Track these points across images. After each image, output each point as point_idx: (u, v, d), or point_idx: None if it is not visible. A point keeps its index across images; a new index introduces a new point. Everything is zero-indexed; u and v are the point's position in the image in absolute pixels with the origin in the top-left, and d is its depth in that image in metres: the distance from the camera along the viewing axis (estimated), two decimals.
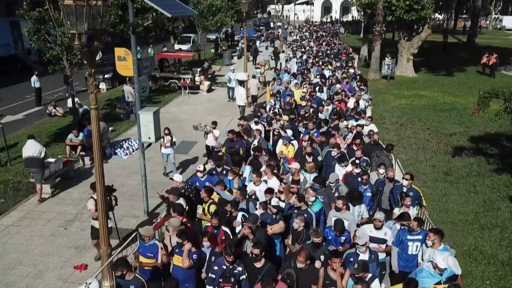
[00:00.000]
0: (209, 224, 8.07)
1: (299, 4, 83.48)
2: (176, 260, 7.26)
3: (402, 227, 7.98)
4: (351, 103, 17.03)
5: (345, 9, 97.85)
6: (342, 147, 11.82)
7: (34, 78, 22.43)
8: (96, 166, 7.81)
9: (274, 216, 8.08)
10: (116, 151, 16.01)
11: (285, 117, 14.04)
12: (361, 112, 15.19)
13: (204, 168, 10.11)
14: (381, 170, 10.20)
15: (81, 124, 17.77)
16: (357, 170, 10.03)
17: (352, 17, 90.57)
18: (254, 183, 9.40)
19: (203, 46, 39.37)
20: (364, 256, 7.04)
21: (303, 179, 9.67)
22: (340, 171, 10.35)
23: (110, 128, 18.50)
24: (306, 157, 10.92)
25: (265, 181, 9.51)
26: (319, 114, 15.70)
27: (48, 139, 17.54)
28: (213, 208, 8.52)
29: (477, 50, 44.07)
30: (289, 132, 12.85)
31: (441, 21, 69.83)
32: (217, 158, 10.57)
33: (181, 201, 8.71)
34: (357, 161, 10.44)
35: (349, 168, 10.42)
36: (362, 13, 40.77)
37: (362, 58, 37.50)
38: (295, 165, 9.81)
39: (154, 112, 10.40)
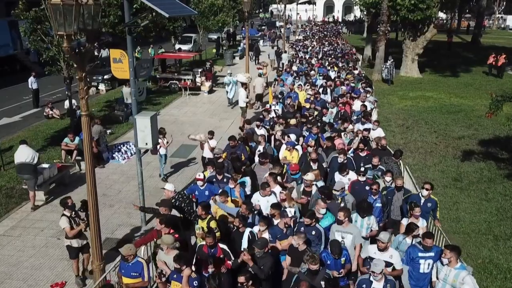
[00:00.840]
0: (203, 242, 7.37)
1: (301, 3, 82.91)
2: (174, 287, 6.67)
3: (412, 243, 7.44)
4: (356, 105, 16.52)
5: (347, 9, 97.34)
6: (340, 147, 11.29)
7: (31, 79, 21.94)
8: (88, 177, 7.33)
9: (285, 231, 7.55)
10: (114, 155, 15.50)
11: (293, 121, 13.51)
12: (367, 115, 14.69)
13: (204, 176, 9.58)
14: (388, 178, 9.67)
15: (78, 126, 17.34)
16: (362, 178, 9.48)
17: (355, 16, 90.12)
18: (262, 196, 8.77)
19: (204, 46, 38.92)
20: (378, 285, 6.37)
21: (314, 191, 9.05)
22: (341, 179, 9.81)
23: (108, 131, 18.00)
24: (311, 163, 10.39)
25: (273, 192, 8.96)
26: (323, 117, 15.16)
27: (44, 142, 17.05)
28: (213, 224, 7.90)
29: (482, 50, 43.56)
30: (293, 137, 12.32)
31: (445, 21, 69.18)
32: (217, 165, 10.04)
33: (174, 213, 8.17)
34: (365, 168, 9.88)
35: (354, 175, 9.90)
36: (365, 12, 40.25)
37: (366, 58, 36.94)
38: (310, 177, 9.16)
39: (151, 116, 9.89)
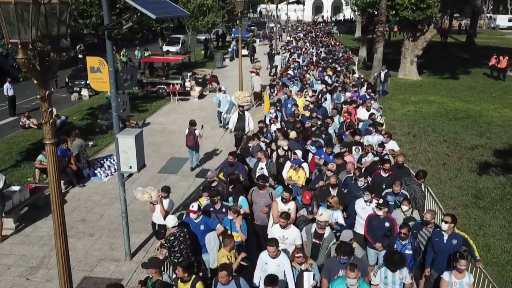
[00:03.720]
0: None
1: (290, 3, 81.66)
2: None
3: None
4: (361, 113, 15.15)
5: (336, 8, 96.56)
6: (351, 168, 9.82)
7: (6, 85, 20.24)
8: (54, 216, 5.84)
9: None
10: (96, 171, 13.92)
11: (293, 133, 12.04)
12: (376, 125, 13.31)
13: (199, 207, 8.10)
14: (405, 207, 8.27)
15: (57, 138, 15.78)
16: (380, 212, 7.79)
17: (344, 16, 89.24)
18: (272, 257, 6.90)
19: (193, 47, 37.37)
20: None
21: (328, 234, 7.44)
22: (364, 209, 8.38)
23: (90, 143, 16.40)
24: (330, 189, 8.91)
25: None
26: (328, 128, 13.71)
27: (18, 156, 15.40)
28: (200, 286, 6.33)
29: (477, 51, 42.65)
30: (299, 153, 10.89)
31: (437, 20, 68.37)
32: (211, 193, 8.52)
33: (166, 278, 6.60)
34: (389, 197, 8.48)
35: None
36: (358, 12, 39.01)
37: (361, 60, 35.65)
38: (325, 217, 7.39)
39: (136, 135, 8.40)
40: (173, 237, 7.37)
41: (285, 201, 8.21)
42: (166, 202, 8.97)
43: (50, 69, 5.38)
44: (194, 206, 7.91)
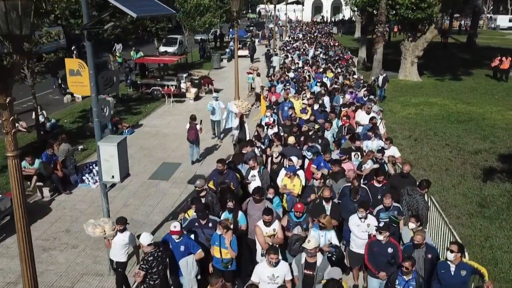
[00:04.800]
0: None
1: (289, 3, 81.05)
2: None
3: None
4: (360, 117, 14.56)
5: (335, 9, 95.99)
6: (352, 176, 9.22)
7: None
8: (19, 235, 5.26)
9: None
10: (84, 177, 13.31)
11: (291, 139, 11.41)
12: (375, 129, 12.75)
13: (181, 226, 7.43)
14: (412, 225, 7.60)
15: (45, 144, 15.24)
16: (381, 238, 7.08)
17: (343, 16, 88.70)
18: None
19: (190, 48, 36.79)
20: None
21: (320, 261, 6.64)
22: (359, 227, 7.77)
23: (80, 147, 15.83)
24: (324, 203, 8.29)
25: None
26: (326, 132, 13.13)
27: (4, 161, 14.79)
28: None
29: (478, 51, 42.07)
30: (295, 160, 10.27)
31: (438, 20, 67.79)
32: (198, 208, 7.86)
33: None
34: (381, 214, 7.80)
35: (373, 221, 7.80)
36: (358, 12, 38.43)
37: (361, 60, 35.05)
38: (314, 243, 6.58)
39: (118, 143, 7.80)
40: (151, 257, 6.76)
41: (268, 224, 7.57)
42: (124, 236, 7.74)
43: (10, 73, 4.79)
44: (176, 227, 7.24)
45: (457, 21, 74.40)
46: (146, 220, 11.18)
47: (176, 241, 7.21)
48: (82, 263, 9.40)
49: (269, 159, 10.91)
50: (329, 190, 8.34)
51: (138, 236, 7.27)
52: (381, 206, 8.18)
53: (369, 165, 10.25)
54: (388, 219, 7.77)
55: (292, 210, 8.11)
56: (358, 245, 7.81)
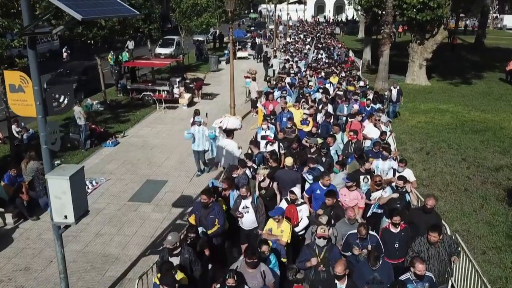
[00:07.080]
0: None
1: (291, 3, 79.45)
2: None
3: None
4: (367, 129, 12.98)
5: (338, 8, 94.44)
6: (352, 216, 7.62)
7: None
8: None
9: None
10: None
11: (289, 160, 9.76)
12: (380, 145, 11.16)
13: None
14: None
15: (18, 156, 13.77)
16: None
17: (346, 16, 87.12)
18: None
19: (187, 49, 35.22)
20: None
21: None
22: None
23: (57, 162, 14.22)
24: (336, 281, 6.16)
25: None
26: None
27: None
28: None
29: (487, 52, 40.41)
30: (298, 192, 8.52)
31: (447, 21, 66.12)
32: (166, 281, 5.87)
33: None
34: (409, 286, 6.05)
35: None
36: (361, 12, 36.77)
37: (365, 63, 33.41)
38: None
39: (71, 175, 6.24)
40: None
41: None
42: None
43: None
44: None
45: (462, 21, 72.64)
46: (121, 254, 9.63)
47: None
48: None
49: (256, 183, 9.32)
50: (342, 265, 6.15)
51: None
52: (407, 275, 6.21)
53: (387, 194, 8.57)
54: None
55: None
56: None
